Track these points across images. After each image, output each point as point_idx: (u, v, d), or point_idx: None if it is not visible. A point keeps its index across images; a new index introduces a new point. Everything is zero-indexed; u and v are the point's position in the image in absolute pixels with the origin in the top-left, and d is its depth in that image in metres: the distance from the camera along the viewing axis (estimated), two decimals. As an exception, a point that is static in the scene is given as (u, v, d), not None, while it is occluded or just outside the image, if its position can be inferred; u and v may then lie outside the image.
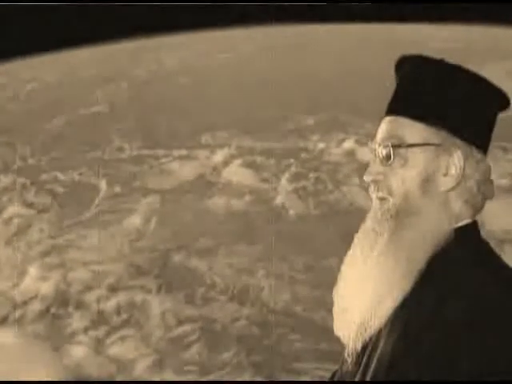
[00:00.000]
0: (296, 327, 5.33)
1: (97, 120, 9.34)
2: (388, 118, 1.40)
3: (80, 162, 8.11)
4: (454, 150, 1.35)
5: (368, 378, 1.34)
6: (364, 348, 1.38)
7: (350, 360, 1.42)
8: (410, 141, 1.35)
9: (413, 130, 1.36)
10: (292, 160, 7.77)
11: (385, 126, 1.39)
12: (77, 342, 5.38)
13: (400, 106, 1.39)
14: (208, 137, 8.51)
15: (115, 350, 5.26)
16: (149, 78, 10.60)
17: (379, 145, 1.38)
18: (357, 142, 7.92)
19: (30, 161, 8.33)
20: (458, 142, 1.35)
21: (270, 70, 10.21)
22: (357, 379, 1.39)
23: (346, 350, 1.42)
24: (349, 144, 7.97)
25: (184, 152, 8.17)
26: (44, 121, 9.38)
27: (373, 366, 1.33)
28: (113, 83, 10.56)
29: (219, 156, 8.04)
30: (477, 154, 1.36)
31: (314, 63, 9.46)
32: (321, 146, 8.04)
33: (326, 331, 4.96)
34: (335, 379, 1.56)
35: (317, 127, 8.47)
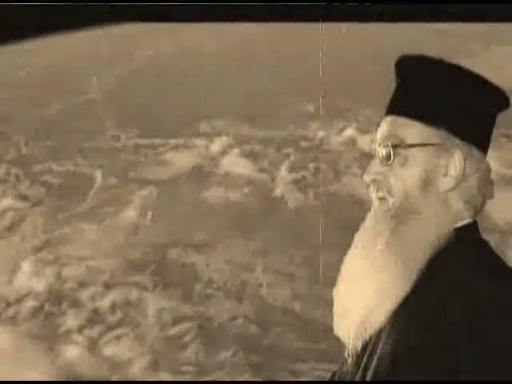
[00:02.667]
0: (295, 326, 5.24)
1: (92, 107, 9.16)
2: (388, 118, 1.39)
3: (75, 152, 7.96)
4: (453, 149, 1.34)
5: (368, 378, 1.34)
6: (364, 348, 1.38)
7: (349, 360, 1.42)
8: (410, 141, 1.35)
9: (413, 130, 1.35)
10: (291, 149, 7.61)
11: (385, 126, 1.39)
12: (71, 341, 5.29)
13: (400, 105, 1.39)
14: (205, 125, 8.34)
15: (110, 350, 5.17)
16: (146, 63, 10.42)
17: (379, 145, 1.38)
18: (357, 129, 7.75)
19: (24, 150, 8.16)
20: (458, 141, 1.35)
21: (269, 55, 10.02)
22: (357, 379, 1.39)
23: (346, 350, 1.41)
24: (349, 132, 7.81)
25: (181, 141, 8.00)
26: (38, 108, 9.20)
27: (373, 366, 1.33)
28: (109, 69, 10.37)
29: (217, 145, 7.88)
30: (477, 154, 1.36)
31: (314, 48, 9.25)
32: (321, 134, 7.87)
33: (325, 330, 4.86)
34: (335, 379, 1.55)
35: (317, 114, 8.29)
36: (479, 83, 1.37)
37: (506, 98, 1.40)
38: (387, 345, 1.31)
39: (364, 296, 1.35)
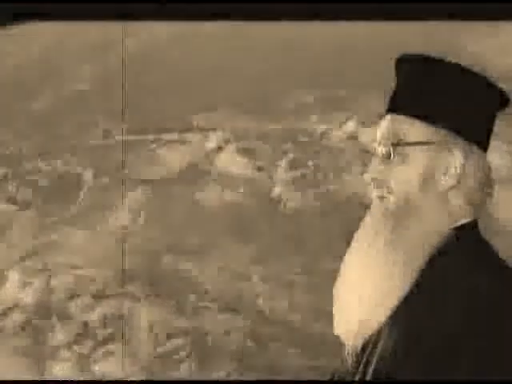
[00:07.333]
0: (294, 340, 5.04)
1: (83, 99, 8.85)
2: (388, 117, 1.41)
3: (64, 149, 7.67)
4: (454, 148, 1.36)
5: (368, 378, 1.35)
6: (364, 347, 1.39)
7: (349, 359, 1.43)
8: (410, 139, 1.36)
9: (413, 129, 1.37)
10: (290, 144, 7.32)
11: (385, 125, 1.41)
12: (60, 358, 5.11)
13: (400, 104, 1.40)
14: (201, 118, 8.03)
15: (100, 367, 4.99)
16: (139, 50, 10.08)
17: (379, 143, 1.40)
18: (359, 122, 7.45)
19: (11, 148, 7.86)
20: (458, 140, 1.36)
21: (268, 41, 9.69)
22: (357, 379, 1.40)
23: (346, 350, 1.43)
24: (351, 125, 7.51)
25: (175, 136, 7.71)
26: (27, 100, 8.88)
27: (373, 365, 1.34)
28: (101, 57, 10.05)
29: (212, 141, 7.58)
30: (477, 153, 1.37)
31: (314, 36, 8.97)
32: (321, 127, 7.58)
33: (325, 344, 4.68)
34: (335, 379, 1.56)
35: (316, 106, 7.99)
36: (479, 82, 1.38)
37: (506, 97, 1.42)
38: (387, 344, 1.32)
39: (364, 295, 1.36)
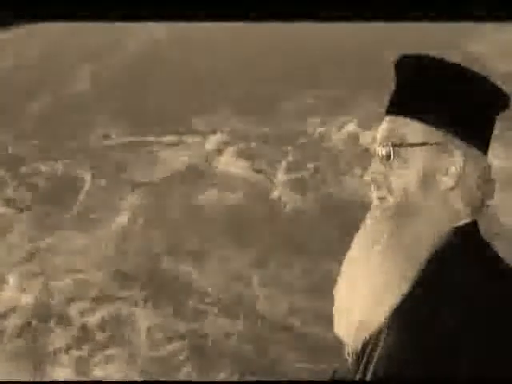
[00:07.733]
0: (294, 344, 5.00)
1: (82, 101, 8.82)
2: (388, 118, 1.41)
3: (64, 151, 7.64)
4: (453, 149, 1.35)
5: (368, 378, 1.35)
6: (364, 347, 1.39)
7: (349, 359, 1.43)
8: (410, 140, 1.36)
9: (413, 130, 1.37)
10: (289, 147, 7.29)
11: (385, 126, 1.41)
12: (59, 362, 5.07)
13: (400, 105, 1.40)
14: (200, 120, 8.01)
15: (99, 371, 4.94)
16: (139, 50, 10.06)
17: (379, 144, 1.40)
18: (359, 124, 7.42)
19: (10, 150, 7.83)
20: (458, 141, 1.36)
21: (268, 42, 9.65)
22: (357, 379, 1.40)
23: (346, 350, 1.43)
24: (351, 127, 7.47)
25: (174, 138, 7.68)
26: (26, 102, 8.86)
27: (373, 365, 1.34)
28: (100, 58, 10.01)
29: (212, 143, 7.56)
30: (477, 154, 1.37)
31: (314, 36, 8.93)
32: (320, 129, 7.55)
33: (326, 347, 4.65)
34: (335, 379, 1.57)
35: (316, 106, 7.96)
36: (479, 82, 1.38)
37: (507, 98, 1.41)
38: (387, 344, 1.32)
39: (364, 295, 1.36)
